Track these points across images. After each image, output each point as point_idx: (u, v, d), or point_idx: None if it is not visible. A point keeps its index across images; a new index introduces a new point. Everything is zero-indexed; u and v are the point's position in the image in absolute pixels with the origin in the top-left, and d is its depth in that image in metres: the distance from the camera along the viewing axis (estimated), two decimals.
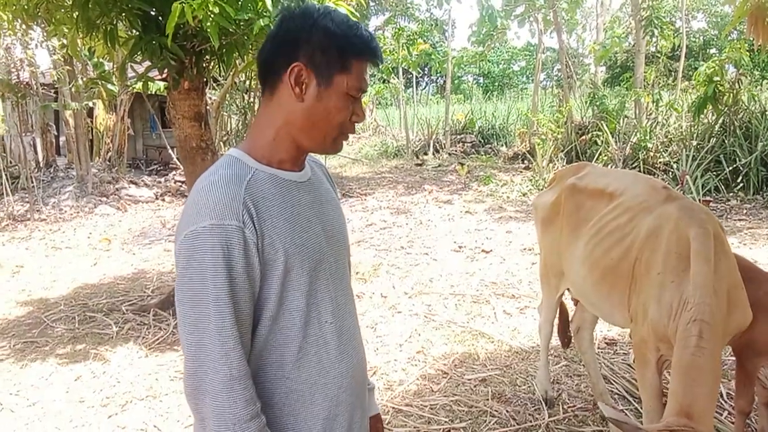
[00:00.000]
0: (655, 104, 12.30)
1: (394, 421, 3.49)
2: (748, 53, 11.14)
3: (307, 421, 1.35)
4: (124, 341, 4.92)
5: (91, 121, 13.04)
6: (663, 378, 2.57)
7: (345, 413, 1.40)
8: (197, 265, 1.21)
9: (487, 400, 3.68)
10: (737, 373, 2.75)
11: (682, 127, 11.71)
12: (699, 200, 8.85)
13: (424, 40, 17.66)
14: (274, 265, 1.27)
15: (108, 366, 4.48)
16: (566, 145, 13.02)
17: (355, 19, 1.39)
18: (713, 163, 10.26)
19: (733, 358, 3.01)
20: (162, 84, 6.83)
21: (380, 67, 1.54)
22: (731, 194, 9.78)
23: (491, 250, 7.26)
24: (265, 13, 4.11)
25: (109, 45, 4.55)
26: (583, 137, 12.87)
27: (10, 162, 12.17)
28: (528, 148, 14.52)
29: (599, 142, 12.26)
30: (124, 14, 4.43)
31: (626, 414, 3.41)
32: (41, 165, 12.75)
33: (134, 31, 4.56)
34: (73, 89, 11.37)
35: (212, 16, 3.72)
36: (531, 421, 3.42)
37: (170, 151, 12.73)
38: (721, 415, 3.34)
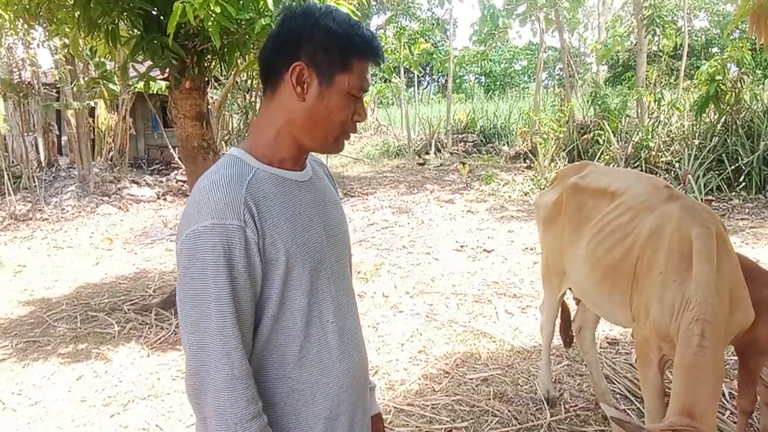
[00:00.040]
0: (657, 103, 12.29)
1: (395, 420, 3.49)
2: (750, 52, 11.12)
3: (308, 421, 1.34)
4: (126, 341, 4.92)
5: (93, 121, 13.05)
6: (665, 377, 2.57)
7: (346, 413, 1.40)
8: (199, 264, 1.21)
9: (489, 399, 3.68)
10: (739, 372, 2.74)
11: (684, 127, 11.70)
12: (701, 199, 8.84)
13: (426, 40, 17.66)
14: (276, 265, 1.27)
15: (110, 365, 4.48)
16: (568, 144, 13.02)
17: (356, 18, 1.39)
18: (715, 163, 10.25)
19: (736, 358, 3.00)
20: (163, 83, 6.84)
21: (382, 66, 1.53)
22: (733, 193, 9.77)
23: (493, 250, 7.26)
24: (266, 13, 4.11)
25: (111, 44, 4.56)
26: (585, 136, 12.86)
27: (12, 161, 12.20)
28: (530, 148, 14.52)
29: (601, 141, 12.25)
30: (125, 14, 4.43)
31: (628, 414, 3.41)
32: (43, 164, 12.76)
33: (136, 30, 4.57)
34: (74, 89, 11.38)
35: (214, 15, 3.72)
36: (533, 421, 3.42)
37: (172, 150, 12.75)
38: (723, 414, 3.33)
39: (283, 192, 1.32)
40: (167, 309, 5.43)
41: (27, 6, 4.57)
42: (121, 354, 4.67)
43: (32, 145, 12.69)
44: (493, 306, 5.33)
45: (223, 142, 13.76)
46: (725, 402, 3.45)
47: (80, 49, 5.57)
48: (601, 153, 11.89)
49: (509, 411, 3.52)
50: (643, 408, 2.78)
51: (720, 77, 10.37)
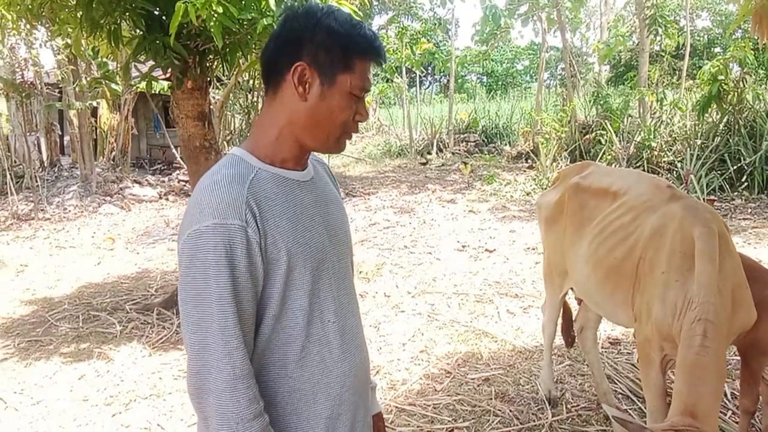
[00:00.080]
0: (659, 103, 12.27)
1: (397, 420, 3.49)
2: (752, 52, 11.10)
3: (309, 420, 1.35)
4: (128, 340, 4.93)
5: (95, 121, 13.07)
6: (667, 377, 2.57)
7: (348, 412, 1.40)
8: (200, 264, 1.21)
9: (491, 399, 3.67)
10: (742, 372, 2.74)
11: (686, 126, 11.68)
12: (703, 199, 8.83)
13: (428, 40, 17.68)
14: (277, 265, 1.27)
15: (112, 365, 4.49)
16: (570, 144, 13.00)
17: (358, 18, 1.39)
18: (717, 162, 10.24)
19: (738, 358, 3.00)
20: (166, 83, 6.84)
21: (383, 66, 1.53)
22: (735, 193, 9.75)
23: (495, 250, 7.25)
24: (268, 13, 4.11)
25: (113, 44, 4.56)
26: (587, 136, 12.85)
27: (15, 161, 12.22)
28: (531, 148, 14.51)
29: (603, 141, 12.24)
30: (127, 14, 4.43)
31: (630, 414, 3.41)
32: (45, 164, 12.78)
33: (138, 30, 4.57)
34: (77, 89, 11.39)
35: (216, 15, 3.72)
36: (534, 421, 3.42)
37: (174, 150, 12.75)
38: (725, 414, 3.32)
39: (285, 192, 1.32)
40: (169, 308, 5.44)
41: (29, 6, 4.57)
42: (123, 353, 4.67)
43: (35, 144, 12.71)
44: (495, 306, 5.33)
45: (225, 142, 13.78)
46: (727, 402, 3.45)
47: (82, 49, 5.57)
48: (603, 153, 11.88)
49: (511, 411, 3.52)
50: (645, 408, 2.78)
51: (722, 77, 10.34)
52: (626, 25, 17.73)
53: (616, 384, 3.78)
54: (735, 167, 9.98)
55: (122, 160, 13.23)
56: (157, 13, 4.52)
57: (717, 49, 24.67)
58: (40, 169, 12.24)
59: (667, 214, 2.51)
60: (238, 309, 1.22)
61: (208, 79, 5.15)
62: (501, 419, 3.45)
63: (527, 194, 11.07)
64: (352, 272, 1.54)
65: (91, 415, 3.77)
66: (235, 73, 9.62)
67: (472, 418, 3.47)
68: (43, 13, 4.69)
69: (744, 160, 10.01)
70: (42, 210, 10.51)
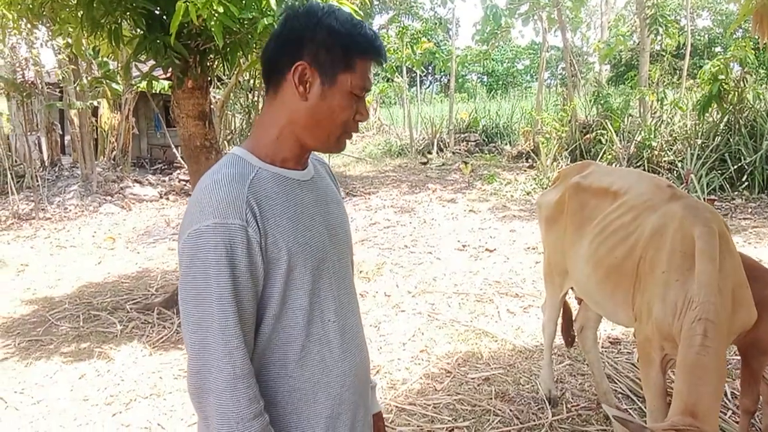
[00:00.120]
0: (659, 103, 12.26)
1: (397, 420, 3.49)
2: (753, 51, 11.09)
3: (310, 420, 1.35)
4: (129, 340, 4.93)
5: (96, 120, 13.07)
6: (667, 377, 2.57)
7: (348, 412, 1.40)
8: (200, 263, 1.21)
9: (491, 399, 3.68)
10: (742, 372, 2.74)
11: (686, 126, 11.67)
12: (704, 199, 8.83)
13: (428, 39, 17.67)
14: (278, 264, 1.27)
15: (112, 364, 4.49)
16: (570, 143, 13.00)
17: (359, 18, 1.39)
18: (718, 162, 10.24)
19: (738, 357, 3.00)
20: (166, 83, 6.85)
21: (384, 65, 1.53)
22: (736, 193, 9.75)
23: (495, 249, 7.25)
24: (269, 12, 4.11)
25: (114, 44, 4.56)
26: (588, 136, 12.85)
27: (16, 161, 12.23)
28: (532, 147, 14.51)
29: (603, 140, 12.23)
30: (128, 13, 4.44)
31: (630, 413, 3.41)
32: (46, 164, 12.79)
33: (138, 30, 4.57)
34: (77, 88, 11.40)
35: (216, 15, 3.73)
36: (534, 420, 3.42)
37: (174, 149, 12.75)
38: (725, 414, 3.33)
39: (285, 191, 1.32)
40: (169, 308, 5.44)
41: (30, 6, 4.57)
42: (124, 353, 4.67)
43: (35, 144, 12.72)
44: (495, 305, 5.33)
45: (225, 142, 13.79)
46: (727, 402, 3.45)
47: (83, 48, 5.57)
48: (604, 152, 11.88)
49: (511, 410, 3.52)
50: (645, 407, 2.78)
51: (723, 77, 10.34)
52: (627, 24, 17.72)
53: (617, 383, 3.78)
54: (735, 167, 9.98)
55: (123, 160, 13.23)
56: (157, 12, 4.52)
57: (717, 49, 24.65)
58: (41, 169, 12.25)
59: (667, 214, 2.51)
60: (239, 308, 1.22)
61: (209, 78, 5.15)
62: (501, 419, 3.45)
63: (528, 194, 11.07)
64: (352, 272, 1.54)
65: (91, 415, 3.77)
66: (235, 72, 9.63)
67: (473, 418, 3.47)
68: (44, 13, 4.69)
69: (744, 159, 10.01)
70: (43, 209, 10.52)
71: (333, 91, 1.31)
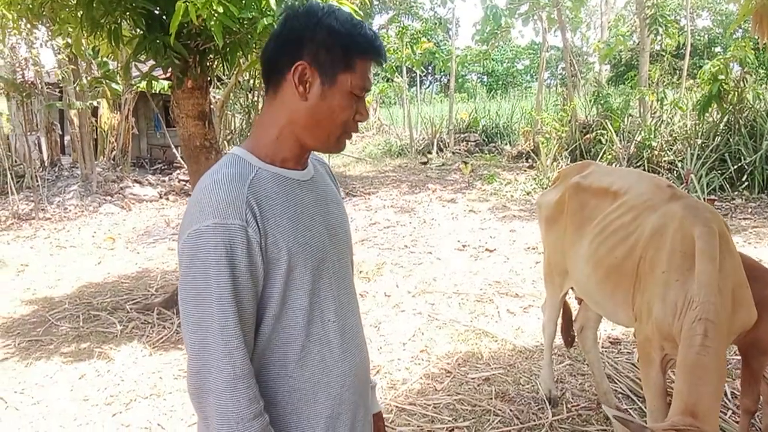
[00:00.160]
0: (659, 103, 12.26)
1: (397, 420, 3.49)
2: (752, 51, 11.09)
3: (310, 420, 1.35)
4: (128, 340, 4.93)
5: (96, 120, 13.07)
6: (667, 377, 2.57)
7: (348, 412, 1.40)
8: (200, 264, 1.21)
9: (491, 399, 3.67)
10: (743, 371, 2.74)
11: (686, 126, 11.68)
12: (704, 199, 8.83)
13: (428, 39, 17.67)
14: (278, 264, 1.27)
15: (112, 364, 4.49)
16: (570, 143, 13.00)
17: (358, 18, 1.39)
18: (718, 162, 10.24)
19: (738, 357, 3.00)
20: (166, 83, 6.84)
21: (384, 65, 1.53)
22: (736, 193, 9.75)
23: (495, 249, 7.25)
24: (268, 12, 4.11)
25: (114, 44, 4.56)
26: (588, 136, 12.85)
27: (15, 161, 12.22)
28: (532, 147, 14.51)
29: (603, 140, 12.23)
30: (128, 13, 4.43)
31: (630, 413, 3.41)
32: (46, 164, 12.79)
33: (138, 30, 4.57)
34: (77, 88, 11.40)
35: (216, 15, 3.72)
36: (534, 420, 3.42)
37: (174, 150, 12.75)
38: (726, 414, 3.32)
39: (285, 191, 1.32)
40: (169, 308, 5.44)
41: (30, 6, 4.57)
42: (123, 353, 4.67)
43: (35, 144, 12.71)
44: (495, 305, 5.32)
45: (225, 142, 13.78)
46: (727, 401, 3.45)
47: (83, 48, 5.57)
48: (604, 152, 11.88)
49: (511, 410, 3.52)
50: (645, 407, 2.78)
51: (723, 77, 10.34)
52: (627, 24, 17.73)
53: (617, 383, 3.78)
54: (735, 167, 9.98)
55: (123, 160, 13.23)
56: (157, 12, 4.52)
57: (717, 49, 24.65)
58: (41, 169, 12.24)
59: (667, 214, 2.51)
60: (239, 309, 1.22)
61: (209, 78, 5.15)
62: (501, 419, 3.45)
63: (527, 194, 11.07)
64: (352, 272, 1.54)
65: (91, 415, 3.77)
66: (235, 72, 9.63)
67: (473, 418, 3.47)
68: (44, 13, 4.69)
69: (744, 159, 10.01)
70: (42, 210, 10.52)
71: (333, 91, 1.31)
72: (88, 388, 4.12)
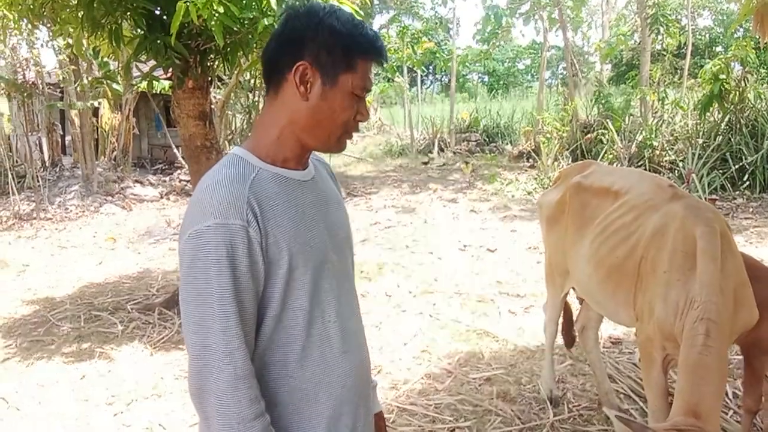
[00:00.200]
0: (660, 102, 12.25)
1: (398, 420, 3.48)
2: (754, 51, 11.09)
3: (311, 420, 1.35)
4: (130, 340, 4.93)
5: (97, 121, 13.07)
6: (668, 377, 2.56)
7: (349, 412, 1.40)
8: (201, 264, 1.21)
9: (492, 399, 3.67)
10: (745, 371, 2.74)
11: (688, 126, 11.66)
12: (705, 198, 8.82)
13: (429, 39, 17.67)
14: (278, 264, 1.27)
15: (113, 365, 4.49)
16: (571, 143, 12.98)
17: (359, 18, 1.39)
18: (719, 162, 10.22)
19: (739, 357, 2.99)
20: (167, 83, 6.83)
21: (385, 66, 1.53)
22: (737, 192, 9.74)
23: (496, 249, 7.25)
24: (269, 12, 4.11)
25: (114, 44, 4.56)
26: (589, 136, 12.83)
27: (16, 161, 12.22)
28: (533, 147, 14.49)
29: (604, 140, 12.22)
30: (128, 13, 4.43)
31: (631, 414, 3.41)
32: (47, 164, 12.78)
33: (139, 30, 4.57)
34: (78, 89, 11.39)
35: (217, 15, 3.72)
36: (536, 420, 3.42)
37: (175, 150, 12.72)
38: (727, 414, 3.32)
39: (286, 191, 1.32)
40: (170, 308, 5.44)
41: (31, 6, 4.57)
42: (125, 353, 4.67)
43: (36, 144, 12.71)
44: (497, 305, 5.32)
45: (226, 142, 13.77)
46: (729, 401, 3.44)
47: (84, 49, 5.56)
48: (605, 152, 11.86)
49: (512, 410, 3.52)
50: (647, 408, 2.78)
51: (724, 76, 10.33)
52: (628, 24, 17.71)
53: (618, 384, 3.78)
54: (737, 166, 9.97)
55: (123, 160, 13.23)
56: (158, 12, 4.52)
57: (718, 48, 24.62)
58: (42, 169, 12.24)
59: (668, 214, 2.51)
60: (240, 309, 1.22)
61: (209, 78, 5.15)
62: (502, 419, 3.45)
63: (529, 194, 11.06)
64: (353, 272, 1.54)
65: (92, 415, 3.77)
66: (236, 72, 9.61)
67: (474, 418, 3.47)
68: (45, 13, 4.69)
69: (745, 159, 10.00)
70: (43, 210, 10.52)
71: (334, 92, 1.31)
72: (89, 389, 4.12)
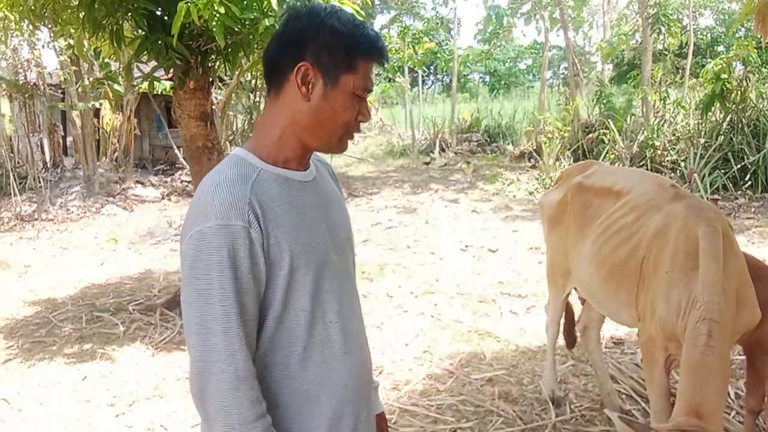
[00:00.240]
0: (662, 102, 12.24)
1: (400, 420, 3.48)
2: (755, 50, 11.08)
3: (312, 421, 1.34)
4: (131, 341, 4.93)
5: (98, 122, 13.06)
6: (671, 377, 2.56)
7: (351, 413, 1.40)
8: (203, 265, 1.21)
9: (494, 399, 3.67)
10: (747, 371, 2.73)
11: (689, 125, 11.65)
12: (707, 198, 8.81)
13: (430, 39, 17.67)
14: (280, 265, 1.27)
15: (115, 366, 4.49)
16: (573, 143, 12.97)
17: (360, 19, 1.39)
18: (721, 161, 10.21)
19: (742, 358, 2.99)
20: (168, 84, 6.84)
21: (386, 66, 1.53)
22: (739, 192, 9.73)
23: (498, 249, 7.24)
24: (270, 13, 4.11)
25: (115, 45, 4.56)
26: (590, 135, 12.81)
27: (18, 162, 12.22)
28: (534, 147, 14.47)
29: (606, 140, 12.21)
30: (129, 14, 4.44)
31: (633, 414, 3.40)
32: (48, 165, 12.78)
33: (140, 31, 4.57)
34: (79, 89, 11.40)
35: (218, 15, 3.72)
36: (538, 421, 3.41)
37: (176, 150, 12.75)
38: (729, 414, 3.32)
39: (288, 192, 1.32)
40: (172, 309, 5.44)
41: (32, 7, 4.58)
42: (126, 354, 4.67)
43: (37, 145, 12.71)
44: (498, 306, 5.32)
45: (227, 142, 13.76)
46: (731, 402, 3.44)
47: (85, 49, 5.56)
48: (606, 152, 11.85)
49: (514, 411, 3.52)
50: (649, 408, 2.77)
51: (725, 76, 10.32)
52: (629, 23, 17.69)
53: (620, 384, 3.77)
54: (738, 166, 9.96)
55: (125, 161, 13.23)
56: (159, 13, 4.52)
57: (720, 48, 24.59)
58: (43, 170, 12.24)
59: (670, 214, 2.50)
60: (241, 310, 1.22)
61: (210, 79, 5.15)
62: (504, 419, 3.44)
63: (530, 194, 11.05)
64: (354, 273, 1.53)
65: (94, 416, 3.78)
66: (237, 73, 9.61)
67: (476, 419, 3.47)
68: (46, 14, 4.69)
69: (747, 158, 9.98)
70: (45, 211, 10.52)
71: (335, 92, 1.31)
72: (91, 389, 4.12)
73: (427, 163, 15.52)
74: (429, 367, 4.19)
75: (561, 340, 3.74)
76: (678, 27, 13.48)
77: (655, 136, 11.36)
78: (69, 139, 13.46)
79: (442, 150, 16.79)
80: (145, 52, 4.56)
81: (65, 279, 6.87)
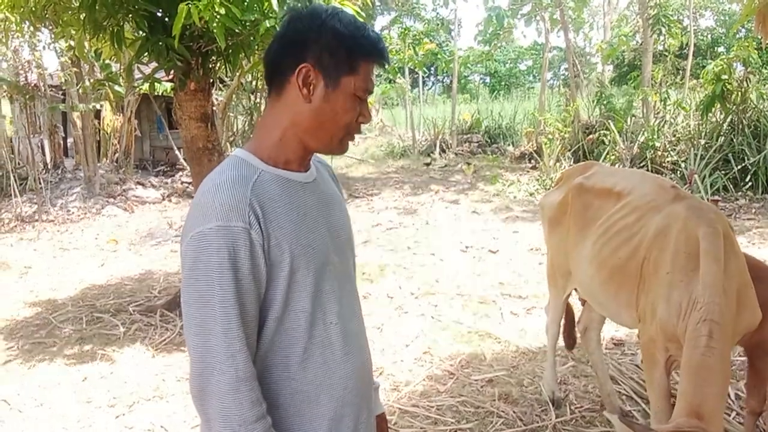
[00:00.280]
0: (662, 103, 12.24)
1: (400, 421, 3.48)
2: (756, 51, 11.06)
3: (312, 422, 1.34)
4: (131, 342, 4.93)
5: (99, 123, 13.08)
6: (671, 378, 2.56)
7: (351, 414, 1.40)
8: (203, 266, 1.21)
9: (494, 400, 3.67)
10: (748, 373, 2.73)
11: (690, 126, 11.65)
12: (707, 199, 8.80)
13: (431, 40, 17.66)
14: (280, 267, 1.27)
15: (115, 366, 4.49)
16: (573, 144, 12.97)
17: (361, 20, 1.39)
18: (721, 162, 10.21)
19: (742, 359, 2.98)
20: (169, 85, 6.85)
21: (387, 67, 1.53)
22: (740, 193, 9.73)
23: (498, 251, 7.24)
24: (271, 14, 4.12)
25: (116, 46, 4.57)
26: (591, 136, 12.81)
27: (19, 163, 12.23)
28: (535, 148, 14.47)
29: (606, 141, 12.20)
30: (130, 15, 4.44)
31: (633, 415, 3.40)
32: (49, 166, 12.79)
33: (141, 32, 4.57)
34: (80, 91, 11.41)
35: (218, 17, 3.73)
36: (538, 422, 3.41)
37: (177, 152, 12.76)
38: (730, 415, 3.31)
39: (288, 193, 1.32)
40: (172, 310, 5.44)
41: (33, 8, 4.58)
42: (126, 355, 4.68)
43: (38, 147, 12.72)
44: (498, 307, 5.32)
45: (228, 144, 13.77)
46: (731, 403, 3.43)
47: (86, 51, 5.57)
48: (607, 153, 11.84)
49: (514, 412, 3.51)
50: (649, 409, 2.77)
51: (726, 76, 10.32)
52: (629, 24, 17.71)
53: (620, 385, 3.77)
54: (739, 167, 9.95)
55: (125, 162, 13.24)
56: (159, 14, 4.53)
57: (720, 49, 24.58)
58: (44, 171, 12.25)
59: (671, 215, 2.50)
60: (241, 311, 1.22)
61: (211, 80, 5.16)
62: (504, 420, 3.44)
63: (531, 195, 11.05)
64: (354, 274, 1.53)
65: (94, 417, 3.77)
66: (238, 74, 9.62)
67: (476, 420, 3.46)
68: (47, 15, 4.70)
69: (748, 159, 9.98)
70: (45, 212, 10.53)
71: (336, 94, 1.31)
72: (91, 390, 4.12)
73: (428, 164, 15.52)
74: (429, 368, 4.18)
75: (561, 341, 3.74)
76: (678, 28, 13.48)
77: (655, 137, 11.36)
78: (70, 140, 13.47)
79: (443, 151, 16.79)
80: (146, 54, 4.56)
81: (65, 280, 6.87)
